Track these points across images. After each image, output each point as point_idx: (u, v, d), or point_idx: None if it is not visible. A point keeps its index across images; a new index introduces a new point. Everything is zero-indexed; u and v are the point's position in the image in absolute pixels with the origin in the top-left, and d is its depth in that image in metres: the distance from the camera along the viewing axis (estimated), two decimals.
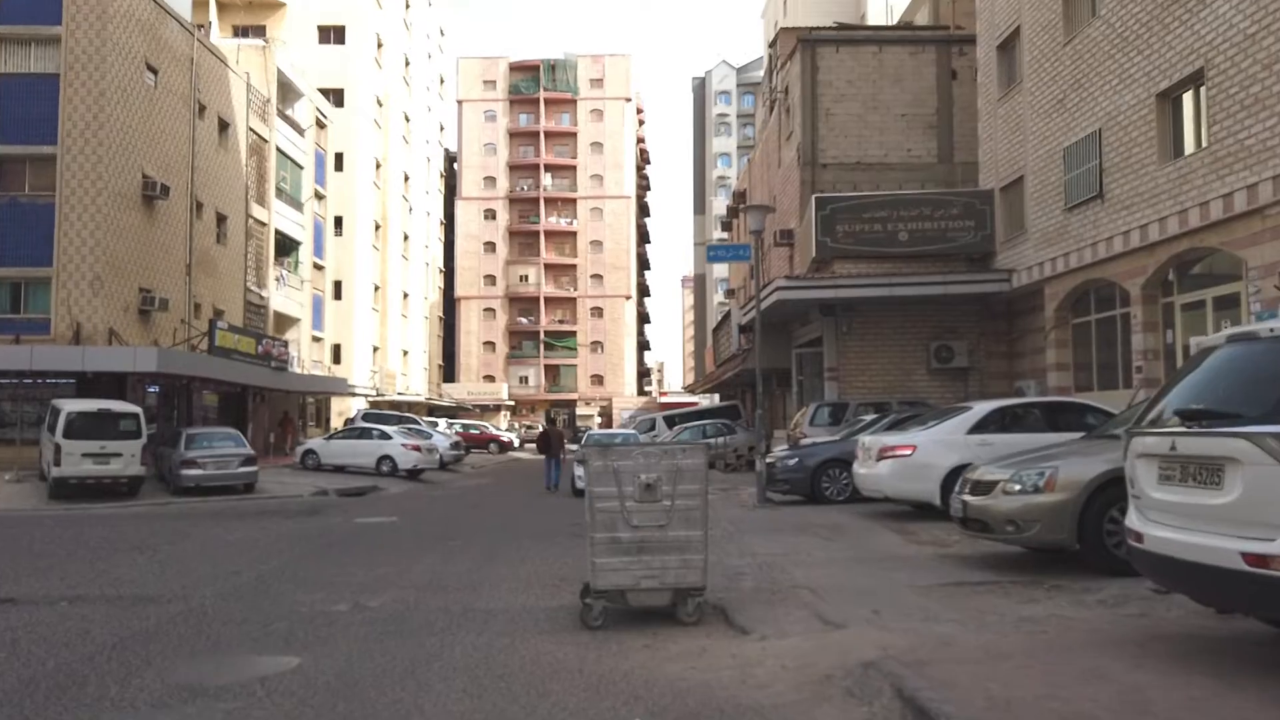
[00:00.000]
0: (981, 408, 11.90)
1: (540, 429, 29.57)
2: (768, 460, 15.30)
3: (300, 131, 41.13)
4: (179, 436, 21.56)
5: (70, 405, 19.56)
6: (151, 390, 28.91)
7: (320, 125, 44.58)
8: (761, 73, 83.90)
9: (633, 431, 24.18)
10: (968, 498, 7.88)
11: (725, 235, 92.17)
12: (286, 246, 40.27)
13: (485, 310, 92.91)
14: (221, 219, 33.48)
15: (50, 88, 25.96)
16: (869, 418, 16.85)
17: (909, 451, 11.55)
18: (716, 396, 54.27)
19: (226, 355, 28.44)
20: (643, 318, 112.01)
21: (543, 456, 23.37)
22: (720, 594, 7.32)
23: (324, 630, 6.79)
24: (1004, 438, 11.48)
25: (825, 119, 26.43)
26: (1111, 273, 17.13)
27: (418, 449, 27.14)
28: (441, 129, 77.59)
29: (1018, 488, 7.44)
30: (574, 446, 23.10)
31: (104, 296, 25.87)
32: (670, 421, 32.20)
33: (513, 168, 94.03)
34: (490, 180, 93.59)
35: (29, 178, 26.15)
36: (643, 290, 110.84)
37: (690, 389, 57.79)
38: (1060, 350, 19.34)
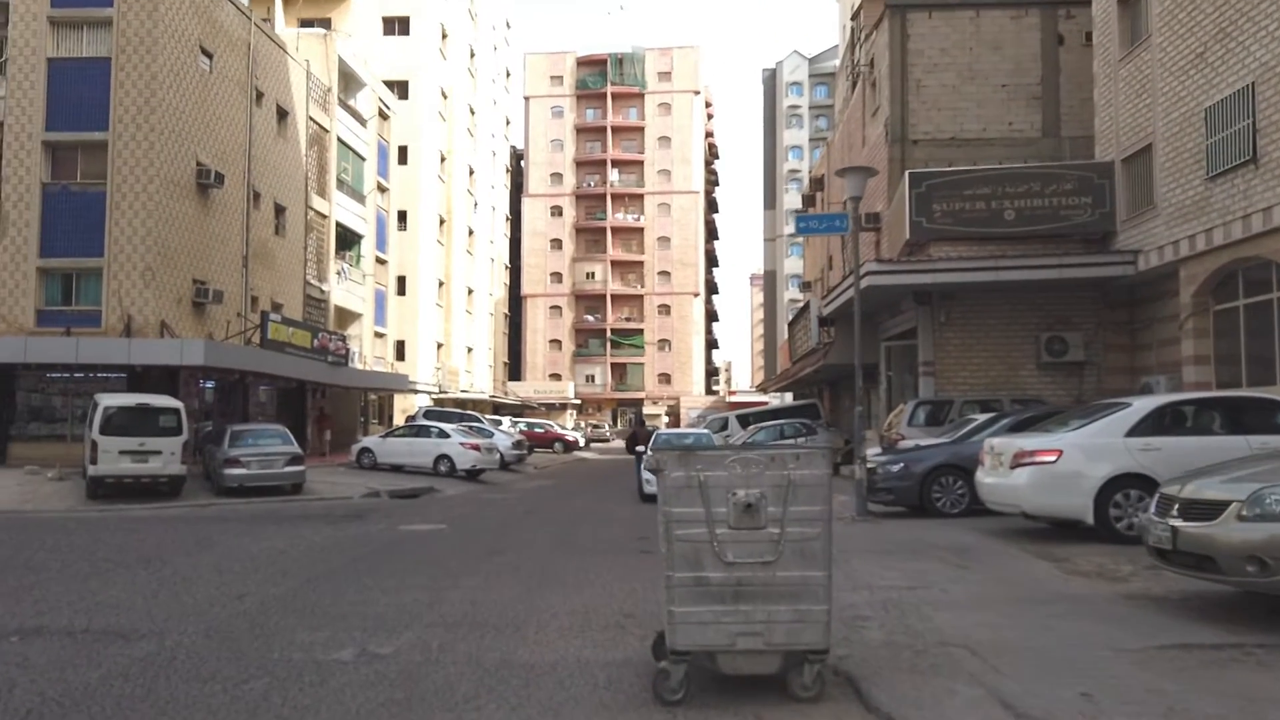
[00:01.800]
0: (1144, 404, 9.70)
1: (630, 428, 27.66)
2: (867, 466, 13.24)
3: (363, 122, 40.15)
4: (223, 434, 20.34)
5: (108, 400, 18.45)
6: (206, 386, 28.00)
7: (383, 116, 43.60)
8: (836, 62, 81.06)
9: (705, 431, 22.28)
10: (1180, 524, 5.80)
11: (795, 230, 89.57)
12: (348, 240, 39.31)
13: (551, 308, 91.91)
14: (280, 210, 32.52)
15: (102, 72, 25.12)
16: (979, 417, 14.64)
17: (1053, 458, 9.41)
18: (790, 395, 51.96)
19: (280, 349, 27.32)
20: (711, 315, 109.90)
21: (631, 457, 21.44)
22: (840, 651, 5.39)
23: (310, 694, 5.05)
24: (1174, 441, 9.30)
25: (916, 91, 24.17)
26: (1268, 249, 14.64)
27: (476, 448, 25.64)
28: (508, 123, 76.61)
29: (1259, 511, 5.35)
30: (640, 448, 21.27)
31: (155, 288, 24.93)
32: (744, 421, 30.17)
33: (579, 164, 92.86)
34: (557, 176, 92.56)
35: (80, 165, 25.36)
36: (711, 287, 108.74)
37: (762, 388, 55.54)
38: (1199, 341, 16.82)
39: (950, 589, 7.37)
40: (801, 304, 33.78)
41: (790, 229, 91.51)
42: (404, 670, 5.53)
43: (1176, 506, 5.92)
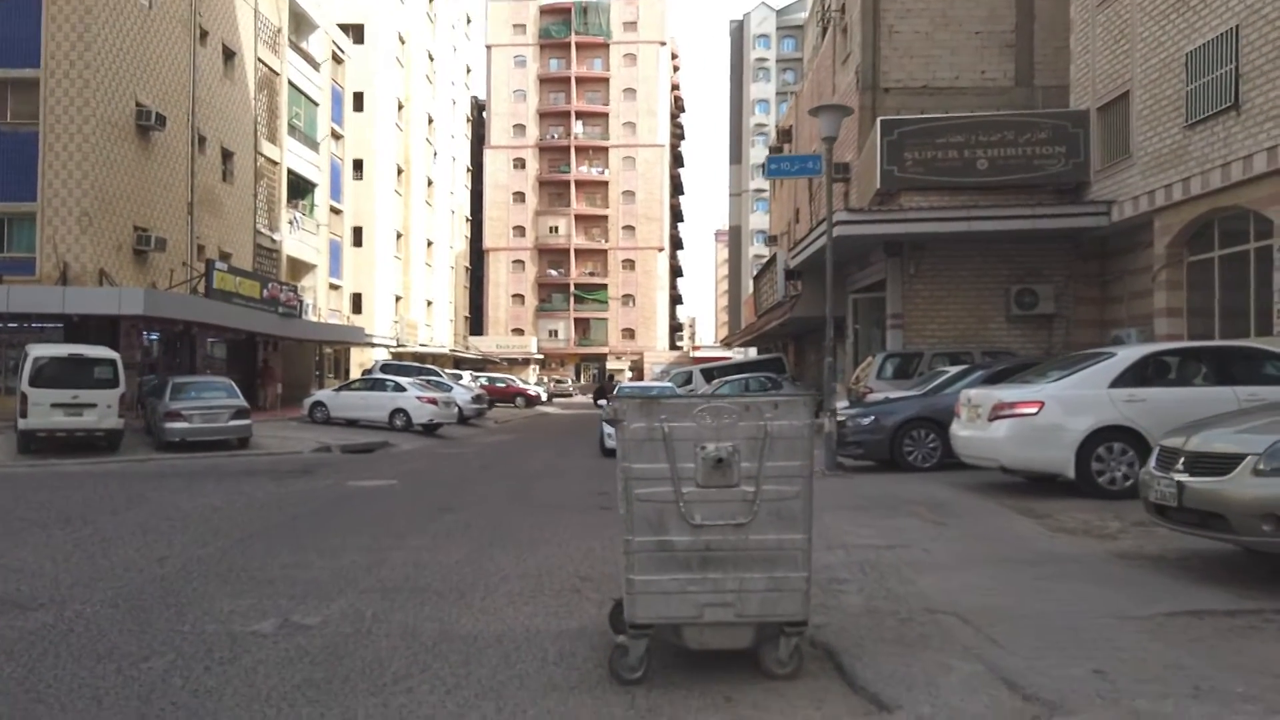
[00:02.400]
0: (1128, 354, 9.25)
1: (596, 382, 26.95)
2: (836, 419, 12.75)
3: (315, 66, 38.56)
4: (165, 386, 19.41)
5: (39, 350, 17.45)
6: (151, 338, 26.88)
7: (337, 60, 41.96)
8: (804, 15, 79.73)
9: (669, 384, 21.71)
10: (1186, 479, 5.31)
11: (764, 182, 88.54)
12: (301, 188, 37.93)
13: (514, 262, 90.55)
14: (228, 155, 31.13)
15: (33, 5, 23.56)
16: (950, 370, 14.21)
17: (1033, 410, 8.94)
18: (754, 350, 51.63)
19: (226, 299, 26.23)
20: (675, 271, 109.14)
21: (599, 411, 20.69)
22: (818, 619, 4.86)
23: (216, 675, 4.42)
24: (1159, 392, 8.88)
25: (888, 37, 23.45)
26: (1247, 199, 14.27)
27: (434, 402, 24.90)
28: (468, 71, 74.62)
29: (1278, 465, 4.86)
30: (601, 403, 20.71)
31: (93, 234, 23.69)
32: (708, 375, 29.67)
33: (543, 115, 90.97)
34: (520, 128, 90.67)
35: (10, 104, 23.90)
36: (675, 243, 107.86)
37: (726, 343, 55.15)
38: (1172, 293, 16.51)
39: (931, 548, 6.88)
40: (767, 258, 33.20)
41: (756, 184, 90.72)
42: (329, 645, 4.91)
43: (1182, 460, 5.43)
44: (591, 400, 24.24)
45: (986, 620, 4.74)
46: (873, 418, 12.23)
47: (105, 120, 24.04)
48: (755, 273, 40.13)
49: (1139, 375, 9.04)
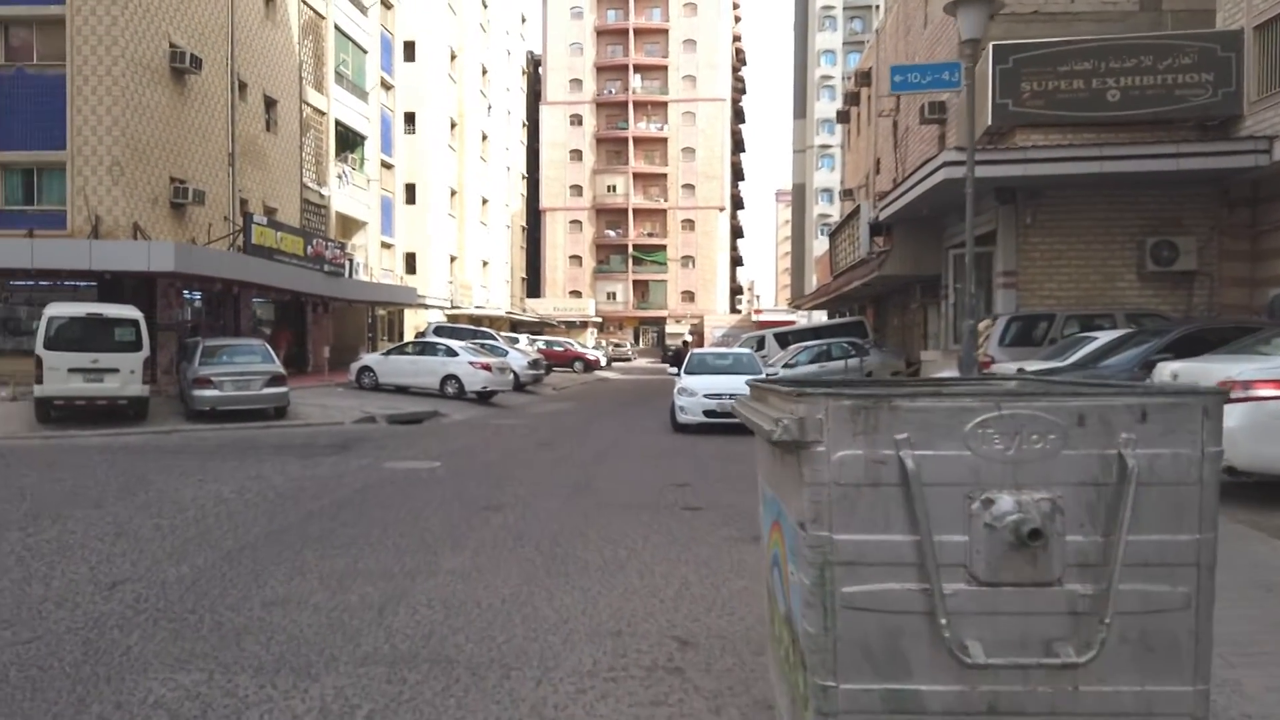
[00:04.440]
0: None
1: (682, 343, 24.59)
2: None
3: (363, 10, 36.62)
4: (194, 350, 17.81)
5: (55, 309, 15.87)
6: (192, 298, 25.44)
7: (386, 5, 39.95)
8: None
9: (746, 350, 19.49)
10: None
11: (830, 138, 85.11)
12: (350, 140, 36.20)
13: (571, 222, 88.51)
14: (271, 103, 29.43)
15: None
16: (1099, 335, 11.77)
17: (1277, 391, 6.60)
18: (824, 314, 48.97)
19: (267, 256, 24.58)
20: (736, 232, 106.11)
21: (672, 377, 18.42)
22: None
23: None
24: None
25: None
26: None
27: (488, 368, 23.06)
28: (523, 20, 72.11)
29: None
30: (672, 369, 18.62)
31: (125, 186, 22.14)
32: (782, 340, 27.34)
33: (600, 69, 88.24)
34: (576, 83, 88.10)
35: (37, 44, 22.35)
36: (736, 202, 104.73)
37: (796, 305, 52.50)
38: None
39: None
40: (846, 213, 30.56)
41: (821, 139, 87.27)
42: None
43: None
44: (667, 366, 22.13)
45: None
46: None
47: (136, 61, 22.39)
48: (829, 230, 37.44)
49: None
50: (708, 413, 15.49)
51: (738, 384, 15.96)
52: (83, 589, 5.52)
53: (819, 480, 1.97)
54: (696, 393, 15.66)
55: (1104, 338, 11.24)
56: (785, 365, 22.14)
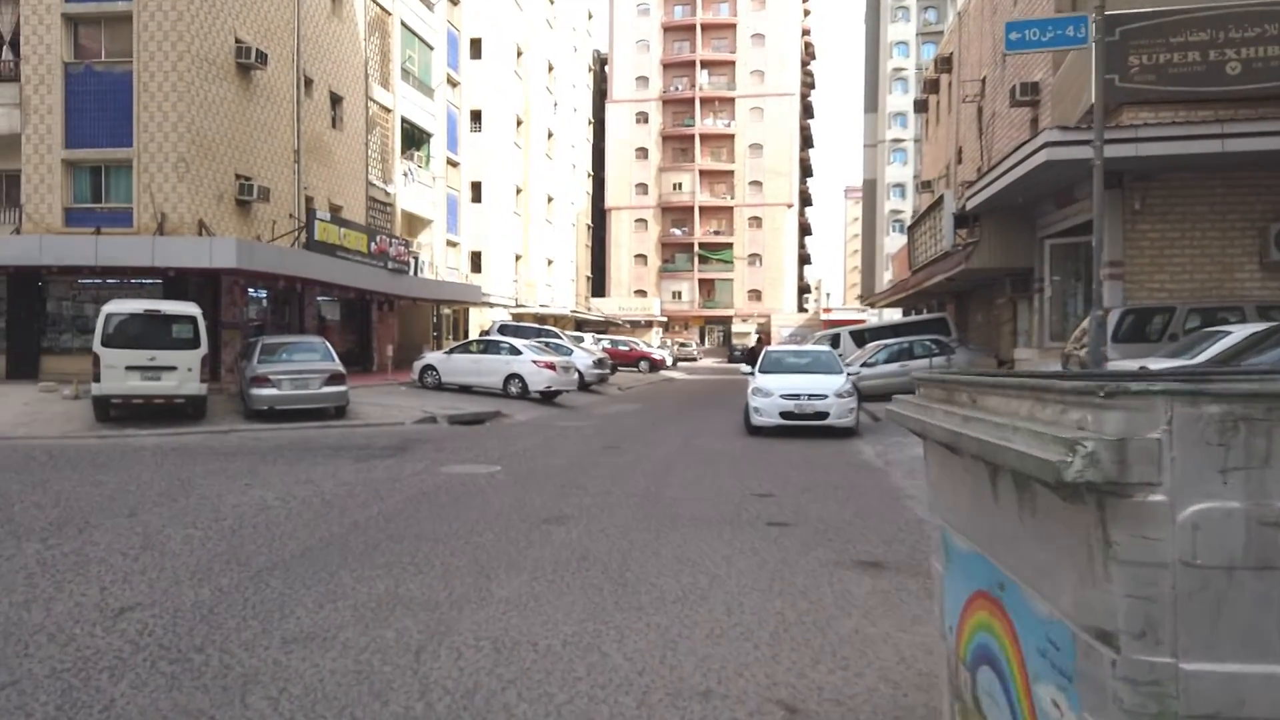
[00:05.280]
0: None
1: (756, 341, 23.48)
2: None
3: (430, 6, 36.30)
4: (253, 348, 17.39)
5: (113, 306, 15.55)
6: (257, 295, 25.25)
7: (453, 1, 39.63)
8: None
9: (825, 348, 18.39)
10: None
11: (902, 131, 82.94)
12: (416, 138, 35.91)
13: (637, 221, 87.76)
14: (337, 100, 29.19)
15: None
16: (1232, 331, 10.44)
17: None
18: (898, 312, 47.29)
19: (330, 252, 24.21)
20: (804, 229, 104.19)
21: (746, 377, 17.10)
22: None
23: None
24: None
25: None
26: None
27: (552, 367, 22.33)
28: (590, 16, 71.58)
29: None
30: (745, 368, 17.66)
31: (191, 182, 21.96)
32: (858, 338, 26.07)
33: (666, 66, 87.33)
34: (643, 80, 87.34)
35: (105, 41, 22.31)
36: (804, 199, 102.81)
37: (870, 303, 50.86)
38: None
39: None
40: (928, 204, 29.12)
41: (893, 133, 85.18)
42: None
43: None
44: (741, 365, 21.07)
45: None
46: None
47: (202, 57, 22.20)
48: (909, 223, 35.94)
49: None
50: (784, 414, 14.46)
51: (816, 383, 14.90)
52: (86, 615, 4.80)
53: (1151, 558, 1.03)
54: (772, 393, 14.64)
55: (1239, 332, 9.92)
56: (864, 365, 20.93)
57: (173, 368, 15.25)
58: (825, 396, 14.44)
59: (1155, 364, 10.32)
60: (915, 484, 9.67)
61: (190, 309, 15.82)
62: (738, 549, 6.40)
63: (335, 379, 16.69)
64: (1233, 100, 15.52)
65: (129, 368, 15.03)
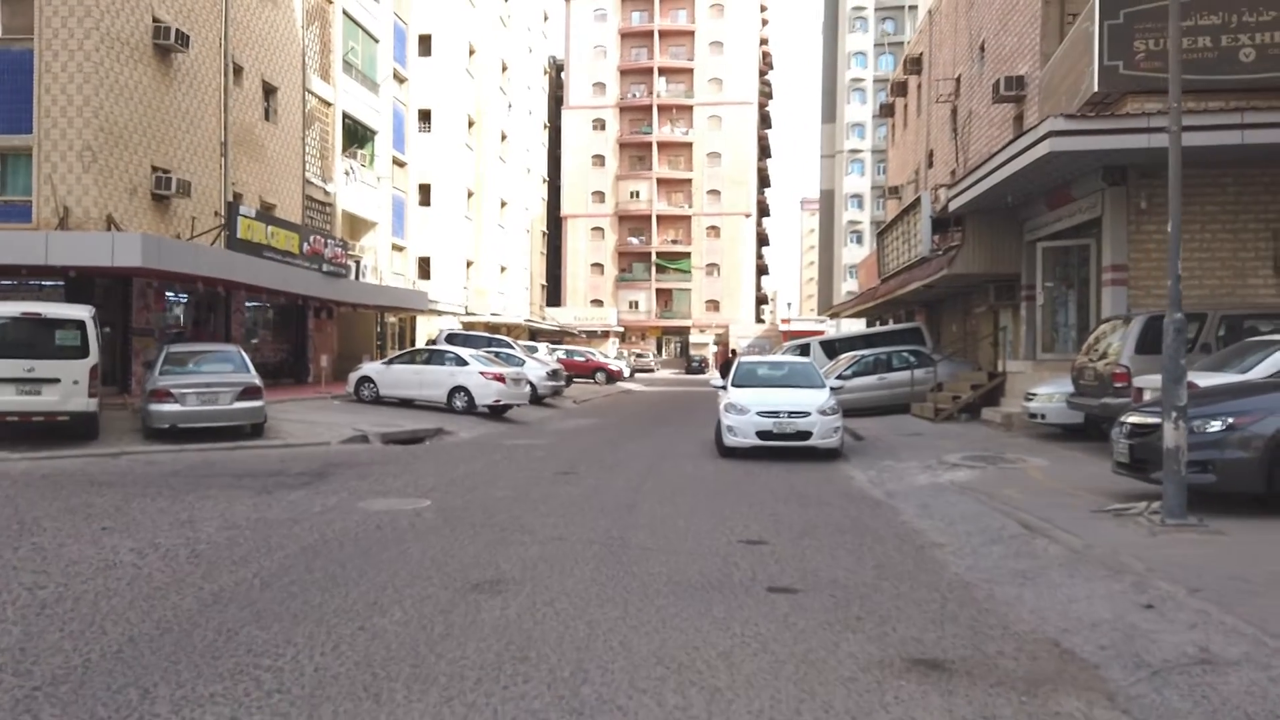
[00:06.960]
0: None
1: (730, 351, 21.80)
2: (1129, 421, 7.66)
3: None
4: (157, 357, 15.27)
5: None
6: (178, 300, 23.01)
7: None
8: None
9: (804, 359, 16.73)
10: None
11: (860, 142, 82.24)
12: (359, 134, 33.78)
13: (593, 229, 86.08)
14: (270, 90, 27.02)
15: None
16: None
17: None
18: (861, 323, 46.07)
19: (255, 252, 22.06)
20: (761, 239, 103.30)
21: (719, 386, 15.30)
22: None
23: None
24: None
25: None
26: None
27: (501, 379, 20.43)
28: (545, 18, 69.84)
29: None
30: (717, 381, 15.95)
31: (99, 173, 19.71)
32: (829, 349, 24.54)
33: (624, 72, 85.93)
34: (599, 87, 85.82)
35: (3, 17, 19.99)
36: (762, 210, 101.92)
37: (833, 313, 49.61)
38: None
39: None
40: (901, 208, 27.75)
41: (851, 144, 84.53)
42: None
43: None
44: (717, 376, 19.32)
45: None
46: (1225, 423, 7.07)
47: (113, 36, 20.00)
48: (879, 228, 34.62)
49: None
50: (762, 434, 12.75)
51: (796, 399, 13.22)
52: None
53: None
54: (748, 410, 12.92)
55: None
56: (838, 377, 19.33)
57: (55, 380, 13.10)
58: (807, 414, 12.77)
59: (1201, 379, 8.79)
60: (934, 525, 7.99)
61: (78, 312, 13.67)
62: (737, 638, 4.63)
63: (250, 393, 14.62)
64: (1247, 90, 14.24)
65: (2, 380, 12.87)
